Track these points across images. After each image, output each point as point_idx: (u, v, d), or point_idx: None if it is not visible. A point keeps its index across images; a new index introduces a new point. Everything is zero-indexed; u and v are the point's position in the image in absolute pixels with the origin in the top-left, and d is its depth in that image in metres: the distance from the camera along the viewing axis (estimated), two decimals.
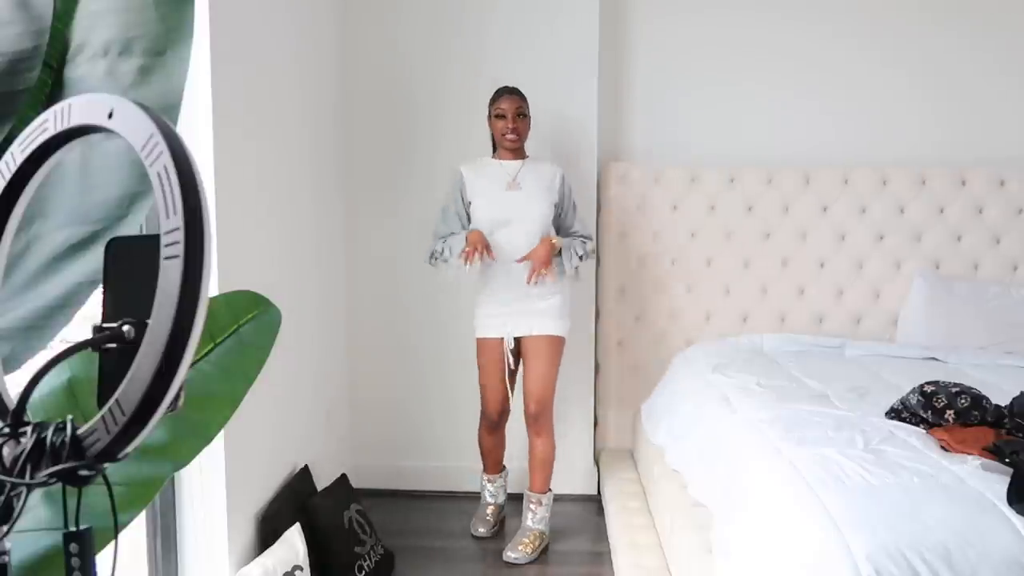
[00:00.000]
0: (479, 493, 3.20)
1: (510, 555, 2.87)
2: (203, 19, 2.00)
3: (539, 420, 2.93)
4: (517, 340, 2.92)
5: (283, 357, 2.11)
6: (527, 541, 2.91)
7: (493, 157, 2.96)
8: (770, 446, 2.07)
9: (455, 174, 2.96)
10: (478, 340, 2.96)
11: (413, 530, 3.14)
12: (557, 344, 2.91)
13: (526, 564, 2.85)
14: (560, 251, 2.86)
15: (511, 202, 2.85)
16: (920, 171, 3.44)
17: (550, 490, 3.01)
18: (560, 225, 2.96)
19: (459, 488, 3.44)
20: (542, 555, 2.95)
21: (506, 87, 2.90)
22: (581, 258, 2.88)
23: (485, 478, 3.14)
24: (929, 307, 3.31)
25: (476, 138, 3.12)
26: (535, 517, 2.98)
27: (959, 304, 3.29)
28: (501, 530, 3.13)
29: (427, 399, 3.50)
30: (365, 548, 2.63)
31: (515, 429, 3.11)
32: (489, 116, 2.90)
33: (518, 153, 2.93)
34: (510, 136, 2.84)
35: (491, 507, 3.14)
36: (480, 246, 2.75)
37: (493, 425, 3.03)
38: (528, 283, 2.78)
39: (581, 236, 2.96)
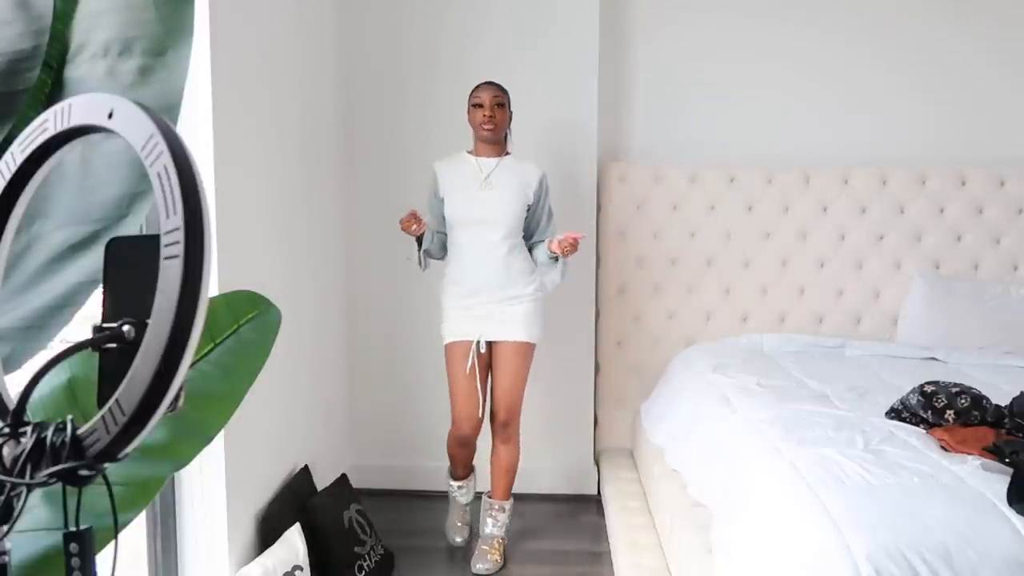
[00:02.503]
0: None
1: (479, 567, 2.79)
2: (203, 19, 2.00)
3: (508, 428, 2.85)
4: (488, 346, 2.82)
5: (283, 357, 2.11)
6: (493, 549, 2.85)
7: (470, 153, 2.84)
8: (770, 446, 2.07)
9: (430, 172, 2.87)
10: (448, 345, 2.83)
11: (413, 530, 3.14)
12: (528, 351, 2.81)
13: (493, 574, 2.79)
14: (556, 258, 2.76)
15: (482, 202, 2.74)
16: (920, 171, 3.44)
17: (512, 497, 2.95)
18: (528, 229, 2.84)
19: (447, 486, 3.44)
20: (543, 555, 2.95)
21: (487, 80, 2.81)
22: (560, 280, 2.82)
23: (457, 484, 3.04)
24: (929, 307, 3.31)
25: None
26: (496, 524, 2.91)
27: (959, 304, 3.29)
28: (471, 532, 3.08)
29: (427, 399, 3.50)
30: (365, 548, 2.63)
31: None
32: (468, 108, 2.80)
33: (495, 148, 2.80)
34: (487, 126, 2.72)
35: (460, 511, 3.06)
36: (405, 223, 2.68)
37: (464, 440, 2.88)
38: (559, 248, 2.67)
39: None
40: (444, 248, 2.89)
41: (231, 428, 1.30)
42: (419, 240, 2.80)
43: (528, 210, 2.80)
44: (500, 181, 2.77)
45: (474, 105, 2.77)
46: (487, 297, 2.77)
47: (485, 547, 2.86)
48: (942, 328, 3.26)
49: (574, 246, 2.67)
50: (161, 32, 0.88)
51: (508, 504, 2.94)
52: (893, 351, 3.19)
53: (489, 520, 2.92)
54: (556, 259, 2.78)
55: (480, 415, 2.85)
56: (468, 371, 2.79)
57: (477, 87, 2.80)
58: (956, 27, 3.48)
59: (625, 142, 3.61)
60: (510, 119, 2.82)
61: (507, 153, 2.85)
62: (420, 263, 2.84)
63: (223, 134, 2.10)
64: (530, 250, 2.87)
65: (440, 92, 3.39)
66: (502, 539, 2.91)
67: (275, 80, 2.58)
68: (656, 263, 3.51)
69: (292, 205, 2.76)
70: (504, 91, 2.79)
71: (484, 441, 3.05)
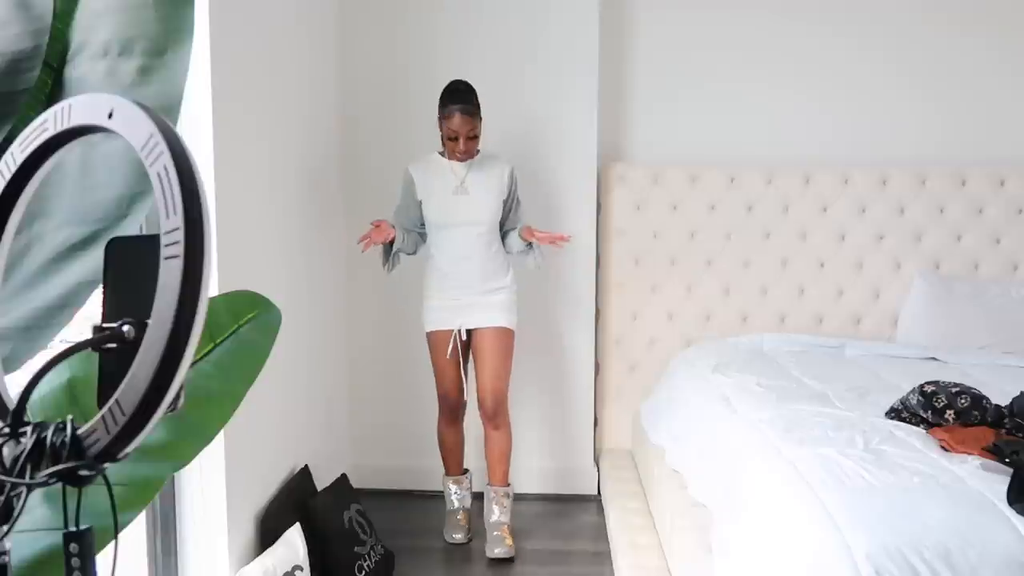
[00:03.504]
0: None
1: (497, 551, 2.89)
2: (203, 19, 2.00)
3: (496, 413, 2.96)
4: (468, 333, 2.95)
5: (283, 357, 2.12)
6: (505, 534, 2.95)
7: (441, 154, 2.92)
8: (770, 446, 2.07)
9: (404, 174, 2.96)
10: (429, 334, 2.98)
11: (413, 530, 3.14)
12: (509, 337, 2.95)
13: (510, 558, 2.89)
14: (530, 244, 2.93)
15: (458, 206, 2.86)
16: (920, 171, 3.44)
17: (510, 483, 3.05)
18: (504, 218, 2.96)
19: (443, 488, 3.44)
20: (543, 555, 2.95)
21: (458, 96, 2.78)
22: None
23: (450, 480, 3.12)
24: (929, 307, 3.31)
25: None
26: (503, 510, 3.01)
27: (959, 304, 3.29)
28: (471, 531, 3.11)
29: (427, 399, 3.49)
30: (365, 548, 2.63)
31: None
32: (440, 118, 2.84)
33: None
34: (460, 154, 2.83)
35: (461, 512, 3.11)
36: (369, 236, 2.80)
37: (452, 412, 3.03)
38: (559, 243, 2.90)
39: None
40: (416, 244, 3.00)
41: (231, 428, 1.30)
42: (388, 244, 2.90)
43: (504, 205, 2.94)
44: (475, 184, 2.89)
45: (449, 137, 2.82)
46: (468, 289, 2.91)
47: (497, 533, 2.96)
48: (942, 328, 3.26)
49: (552, 241, 2.86)
50: (161, 32, 0.88)
51: (510, 489, 3.04)
52: (893, 351, 3.19)
53: (496, 508, 3.01)
54: (530, 245, 2.92)
55: (463, 391, 3.00)
56: (449, 356, 2.94)
57: (451, 111, 2.78)
58: (956, 27, 3.48)
59: (625, 142, 3.61)
60: (480, 133, 2.87)
61: (477, 151, 2.93)
62: (387, 266, 2.94)
63: (223, 134, 2.10)
64: (502, 237, 3.00)
65: (440, 91, 3.38)
66: (510, 525, 3.01)
67: (275, 80, 2.58)
68: (656, 263, 3.51)
69: (292, 205, 2.76)
70: (477, 115, 2.81)
71: (478, 443, 3.08)
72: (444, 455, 3.12)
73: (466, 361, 3.01)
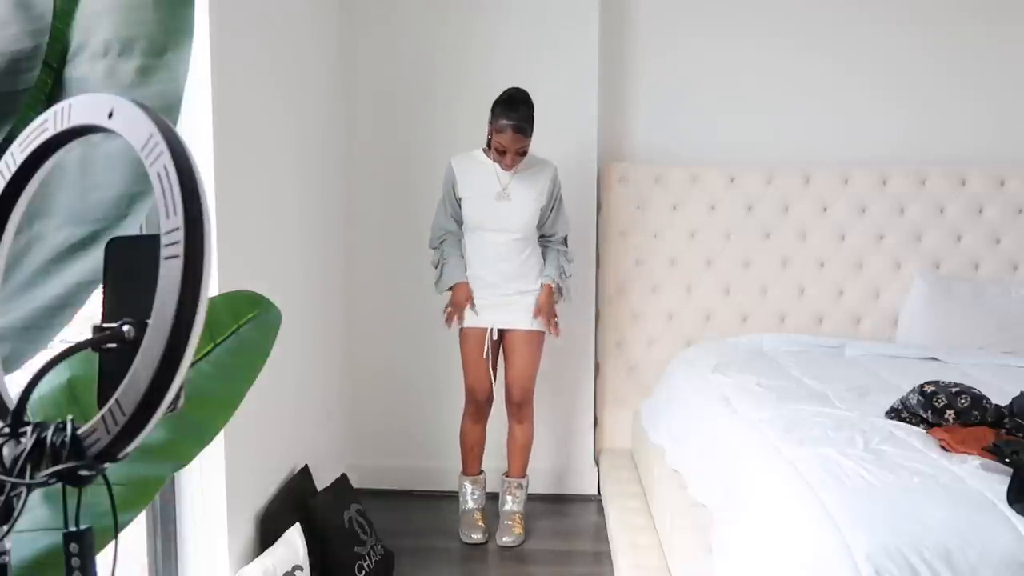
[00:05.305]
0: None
1: (506, 540, 3.00)
2: (203, 19, 2.00)
3: (522, 408, 3.05)
4: (500, 332, 2.99)
5: (283, 357, 2.11)
6: (515, 523, 3.06)
7: (485, 152, 2.89)
8: (770, 446, 2.07)
9: (447, 168, 2.95)
10: (462, 330, 3.01)
11: (413, 530, 3.14)
12: (539, 338, 3.00)
13: (517, 546, 3.00)
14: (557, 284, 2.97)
15: (499, 212, 2.87)
16: (920, 171, 3.44)
17: (526, 475, 3.14)
18: (542, 221, 2.96)
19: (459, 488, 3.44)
20: (543, 555, 2.96)
21: (515, 114, 2.72)
22: (568, 276, 3.00)
23: (467, 480, 3.13)
24: (929, 307, 3.31)
25: (477, 139, 3.12)
26: (516, 500, 3.10)
27: (959, 304, 3.29)
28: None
29: (428, 399, 3.50)
30: (365, 548, 2.63)
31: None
32: (491, 126, 2.79)
33: None
34: (505, 167, 2.83)
35: (478, 512, 3.11)
36: (459, 311, 2.93)
37: (478, 409, 3.05)
38: (552, 334, 3.01)
39: (558, 248, 3.00)
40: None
41: (231, 428, 1.30)
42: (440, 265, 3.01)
43: (543, 212, 2.95)
44: (517, 192, 2.88)
45: (497, 149, 2.79)
46: (502, 290, 2.93)
47: (509, 522, 3.05)
48: (942, 328, 3.26)
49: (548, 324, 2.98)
50: (161, 32, 0.88)
51: (525, 481, 3.13)
52: (893, 351, 3.19)
53: (509, 498, 3.10)
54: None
55: (491, 388, 3.03)
56: (482, 356, 2.96)
57: (502, 125, 2.73)
58: (955, 27, 3.48)
59: (625, 142, 3.61)
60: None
61: None
62: (439, 286, 3.02)
63: (223, 134, 2.10)
64: (542, 247, 3.03)
65: (441, 91, 3.39)
66: (522, 514, 3.09)
67: (275, 80, 2.58)
68: (656, 263, 3.51)
69: (292, 205, 2.76)
70: (530, 132, 2.77)
71: (494, 445, 3.07)
72: (464, 453, 3.13)
73: (496, 360, 3.03)
